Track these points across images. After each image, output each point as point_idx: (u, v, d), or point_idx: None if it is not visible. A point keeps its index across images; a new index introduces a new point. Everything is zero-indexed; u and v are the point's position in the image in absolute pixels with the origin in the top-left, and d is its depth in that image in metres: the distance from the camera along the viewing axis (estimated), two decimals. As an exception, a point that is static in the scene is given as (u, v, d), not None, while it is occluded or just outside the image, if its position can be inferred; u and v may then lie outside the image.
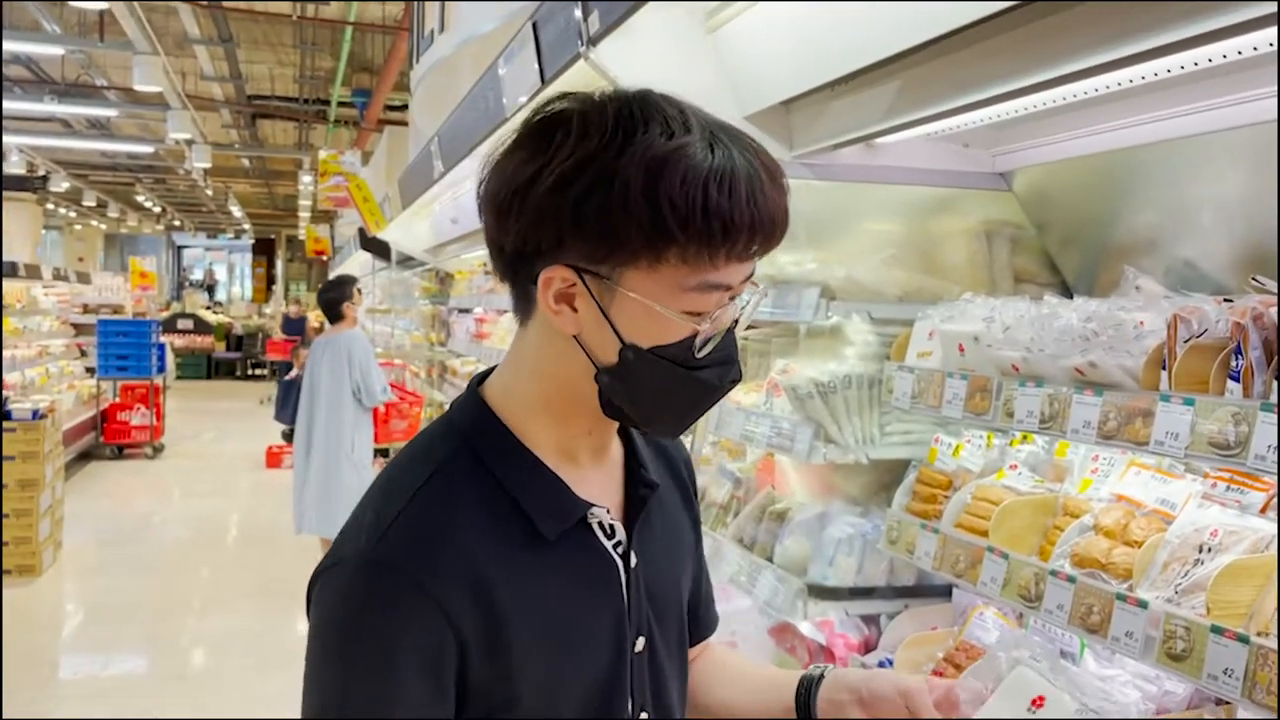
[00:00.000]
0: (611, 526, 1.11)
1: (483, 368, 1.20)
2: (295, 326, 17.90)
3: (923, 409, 2.23)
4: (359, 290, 6.70)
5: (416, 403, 8.52)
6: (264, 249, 33.60)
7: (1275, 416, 1.42)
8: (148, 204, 25.46)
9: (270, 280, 32.74)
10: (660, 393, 1.04)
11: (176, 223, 31.20)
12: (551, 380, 1.08)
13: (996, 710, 1.11)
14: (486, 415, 1.10)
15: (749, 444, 2.84)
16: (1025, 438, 2.27)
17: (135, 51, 9.47)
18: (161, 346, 12.53)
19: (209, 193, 22.14)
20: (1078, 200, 2.37)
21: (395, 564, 0.99)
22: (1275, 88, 1.74)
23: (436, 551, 1.00)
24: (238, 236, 33.54)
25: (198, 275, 35.53)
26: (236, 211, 25.81)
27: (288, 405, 6.98)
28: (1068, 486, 2.05)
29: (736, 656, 1.46)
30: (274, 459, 11.14)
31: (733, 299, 1.04)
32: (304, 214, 22.06)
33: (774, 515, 2.67)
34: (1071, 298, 2.13)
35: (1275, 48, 1.56)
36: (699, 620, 1.34)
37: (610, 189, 0.95)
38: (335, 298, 6.54)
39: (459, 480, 1.05)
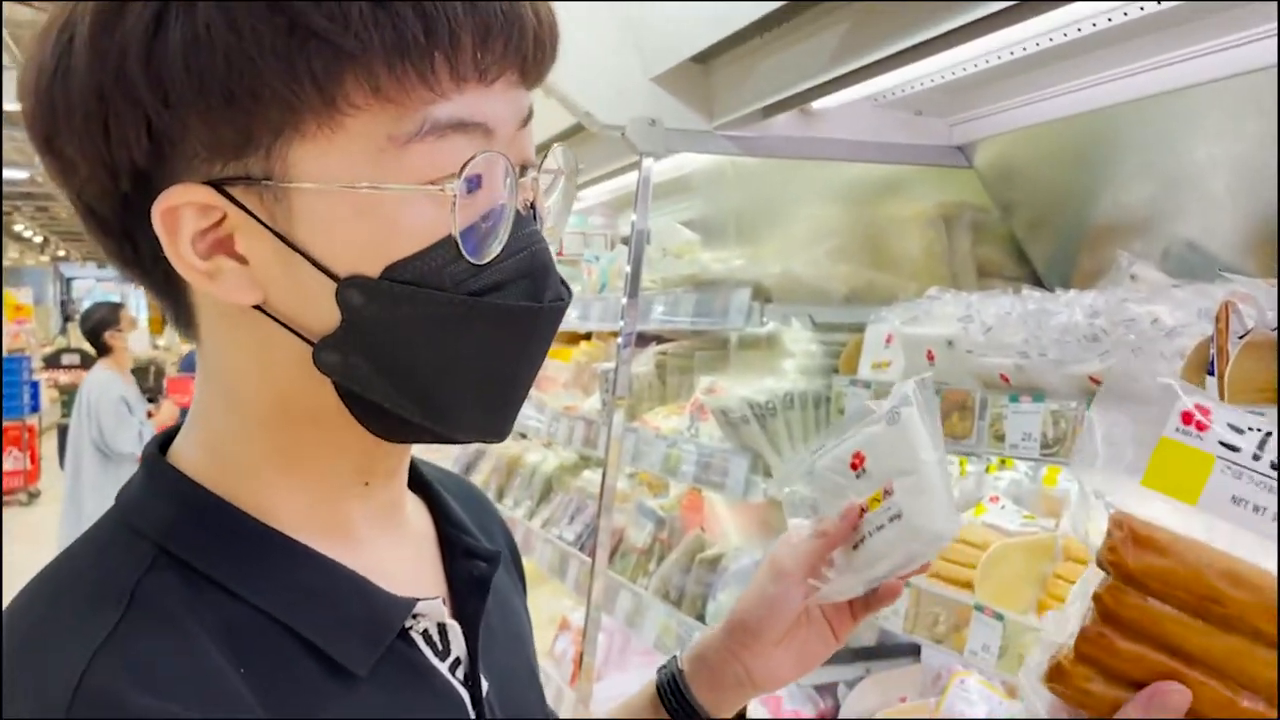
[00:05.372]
0: (443, 635, 0.69)
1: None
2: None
3: (883, 432, 1.86)
4: (128, 316, 5.55)
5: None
6: (159, 277, 32.60)
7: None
8: (27, 234, 24.34)
9: (167, 310, 31.75)
10: (432, 348, 0.60)
11: (62, 253, 29.99)
12: (265, 404, 0.64)
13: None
14: (189, 496, 0.65)
15: (671, 477, 2.48)
16: (1004, 462, 1.93)
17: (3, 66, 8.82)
18: (35, 384, 11.89)
19: (95, 220, 21.26)
20: (1050, 175, 2.10)
21: None
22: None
23: None
24: (130, 265, 32.46)
25: (86, 305, 34.24)
26: (127, 239, 24.87)
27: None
28: (1066, 524, 1.71)
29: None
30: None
31: (524, 171, 0.63)
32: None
33: (704, 563, 2.33)
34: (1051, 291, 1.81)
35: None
36: None
37: (192, 6, 0.55)
38: (95, 328, 5.38)
39: (167, 622, 0.59)
